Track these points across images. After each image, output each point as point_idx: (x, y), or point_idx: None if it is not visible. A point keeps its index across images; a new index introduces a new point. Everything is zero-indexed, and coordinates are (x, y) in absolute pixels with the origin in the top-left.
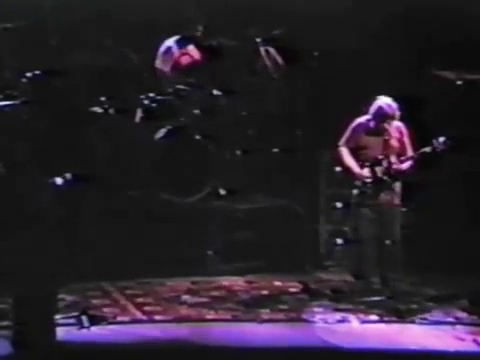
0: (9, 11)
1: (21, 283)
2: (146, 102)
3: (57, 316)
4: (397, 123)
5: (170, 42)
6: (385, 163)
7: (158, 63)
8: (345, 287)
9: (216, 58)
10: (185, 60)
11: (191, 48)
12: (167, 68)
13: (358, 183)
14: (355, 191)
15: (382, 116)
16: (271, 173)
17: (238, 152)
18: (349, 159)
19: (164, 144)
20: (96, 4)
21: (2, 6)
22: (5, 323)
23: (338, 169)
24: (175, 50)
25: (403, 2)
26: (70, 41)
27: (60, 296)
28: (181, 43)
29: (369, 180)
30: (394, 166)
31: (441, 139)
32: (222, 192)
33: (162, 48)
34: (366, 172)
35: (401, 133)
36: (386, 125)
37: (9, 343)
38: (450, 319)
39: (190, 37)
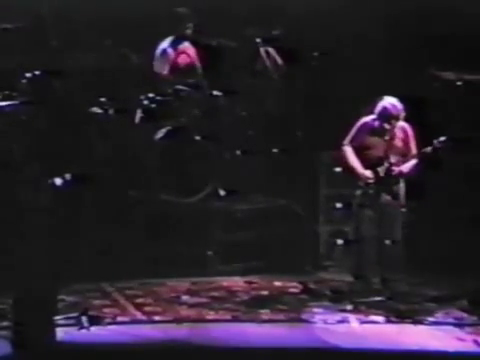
0: (9, 11)
1: (21, 283)
2: (146, 102)
3: (57, 316)
4: (402, 123)
5: (164, 44)
6: (387, 163)
7: (156, 67)
8: (345, 287)
9: (214, 55)
10: (182, 59)
11: (187, 46)
12: (165, 70)
13: (361, 183)
14: (358, 191)
15: (387, 116)
16: (271, 173)
17: (238, 152)
18: (353, 158)
19: (164, 144)
20: (96, 4)
21: (2, 6)
22: (5, 323)
23: (338, 169)
24: (170, 51)
25: (403, 2)
26: (70, 41)
27: (60, 296)
28: (175, 43)
29: (372, 180)
30: (396, 167)
31: (442, 139)
32: (222, 192)
33: (157, 51)
34: (369, 172)
35: (406, 134)
36: (390, 125)
37: (9, 343)
38: (450, 319)
39: (182, 36)
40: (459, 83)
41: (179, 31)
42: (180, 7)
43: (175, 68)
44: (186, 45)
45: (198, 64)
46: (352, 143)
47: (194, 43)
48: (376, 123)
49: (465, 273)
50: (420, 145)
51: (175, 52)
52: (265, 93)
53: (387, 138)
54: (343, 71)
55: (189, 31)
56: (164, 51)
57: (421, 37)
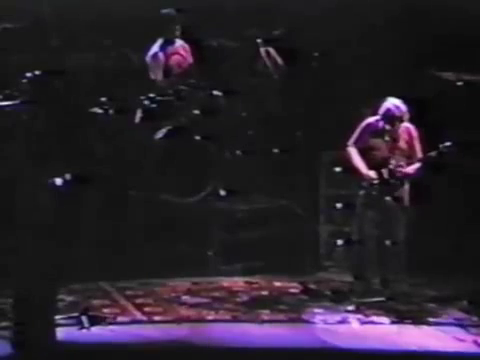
0: (9, 11)
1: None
2: (146, 102)
3: (57, 316)
4: (407, 124)
5: (155, 48)
6: (391, 165)
7: (150, 73)
8: (345, 288)
9: (208, 53)
10: (175, 60)
11: (180, 46)
12: (159, 75)
13: (365, 184)
14: (361, 192)
15: (390, 118)
16: (271, 174)
17: (238, 152)
18: (357, 159)
19: (164, 144)
20: (96, 4)
21: (2, 6)
22: (5, 323)
23: (338, 169)
24: (161, 55)
25: (403, 2)
26: (70, 41)
27: (60, 296)
28: (165, 46)
29: (376, 182)
30: (400, 169)
31: (447, 143)
32: (222, 193)
33: (148, 57)
34: (373, 173)
35: (410, 135)
36: (394, 127)
37: (9, 343)
38: (450, 320)
39: (172, 38)
40: (459, 83)
41: (168, 33)
42: (167, 8)
43: (169, 71)
44: (178, 46)
45: (193, 63)
46: (356, 144)
47: (188, 42)
48: (380, 124)
49: (465, 273)
50: (425, 147)
51: (167, 55)
52: (265, 93)
53: (391, 139)
54: (343, 71)
55: (178, 33)
56: (155, 56)
57: (422, 37)
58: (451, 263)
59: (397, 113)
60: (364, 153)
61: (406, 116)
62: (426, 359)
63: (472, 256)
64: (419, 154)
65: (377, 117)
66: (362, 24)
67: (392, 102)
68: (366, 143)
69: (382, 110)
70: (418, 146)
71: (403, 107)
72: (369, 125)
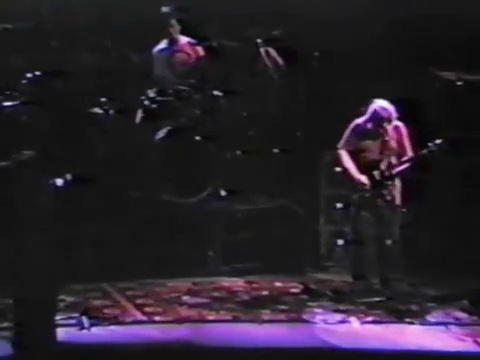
0: (9, 11)
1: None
2: (146, 102)
3: (57, 317)
4: (396, 123)
5: (162, 45)
6: (383, 166)
7: (155, 71)
8: (345, 288)
9: (213, 51)
10: (180, 57)
11: (185, 42)
12: (163, 73)
13: (358, 186)
14: (355, 195)
15: (378, 119)
16: (271, 174)
17: (238, 153)
18: (348, 162)
19: (164, 145)
20: (96, 5)
21: (2, 6)
22: (5, 324)
23: (338, 170)
24: (166, 53)
25: (403, 3)
26: (70, 42)
27: (60, 297)
28: (171, 44)
29: (368, 185)
30: (392, 168)
31: (438, 141)
32: (223, 193)
33: (154, 54)
34: (364, 178)
35: (400, 134)
36: (382, 128)
37: (9, 344)
38: (450, 320)
39: (174, 36)
40: (459, 83)
41: (166, 31)
42: (165, 6)
43: (174, 67)
44: (184, 43)
45: (196, 61)
46: (346, 146)
47: (194, 41)
48: (368, 126)
49: (465, 273)
50: (417, 145)
51: (173, 52)
52: (265, 93)
53: (381, 141)
54: (343, 71)
55: (176, 27)
56: (160, 53)
57: (421, 37)
58: (451, 263)
59: (385, 115)
60: (355, 155)
61: (394, 116)
62: (426, 359)
63: (472, 256)
64: (409, 152)
65: (365, 118)
66: (362, 24)
67: (379, 104)
68: (356, 145)
69: (369, 112)
70: (408, 144)
71: (390, 108)
72: (357, 126)
